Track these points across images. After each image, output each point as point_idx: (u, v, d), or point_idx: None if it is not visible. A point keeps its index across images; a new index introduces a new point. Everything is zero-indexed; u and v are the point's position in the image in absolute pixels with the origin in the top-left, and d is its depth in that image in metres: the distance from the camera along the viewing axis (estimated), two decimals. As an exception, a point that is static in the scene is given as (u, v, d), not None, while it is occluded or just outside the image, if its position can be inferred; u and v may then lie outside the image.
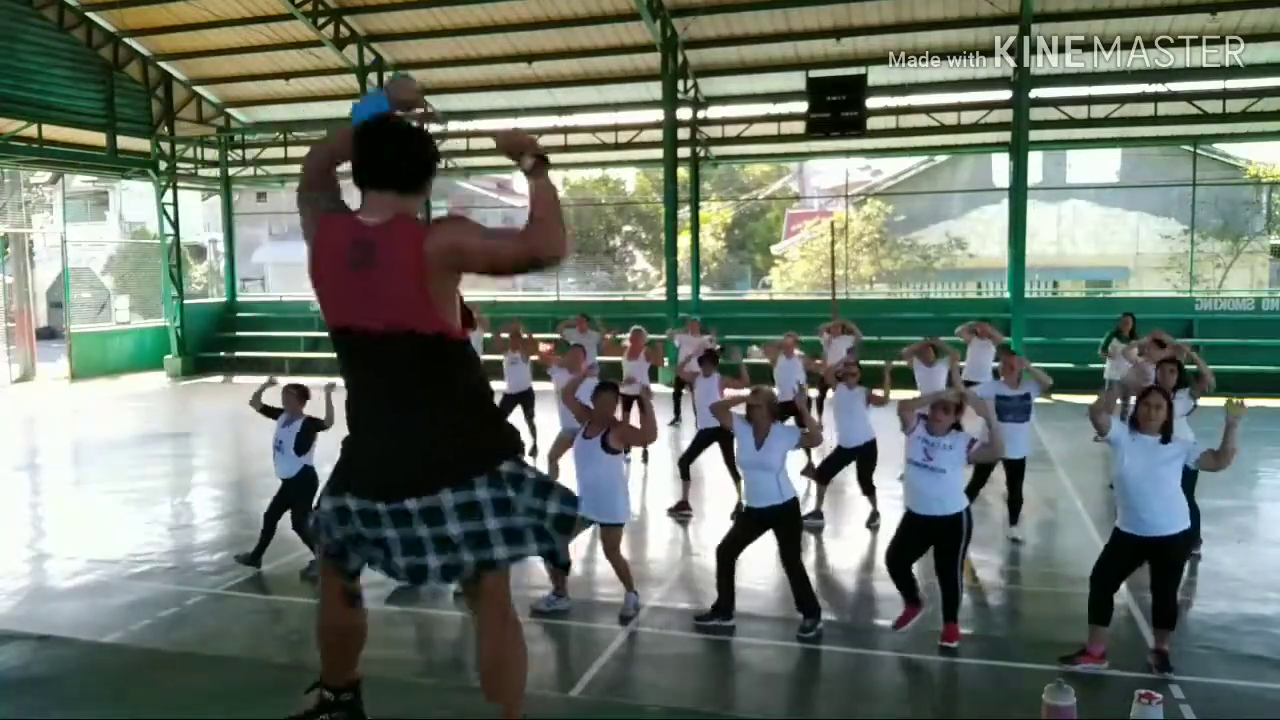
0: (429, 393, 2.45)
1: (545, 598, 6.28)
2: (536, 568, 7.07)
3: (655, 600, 6.40)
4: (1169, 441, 5.13)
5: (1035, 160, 22.86)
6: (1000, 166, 23.51)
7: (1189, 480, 6.77)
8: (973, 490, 7.70)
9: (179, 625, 6.16)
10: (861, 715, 5.06)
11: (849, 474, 8.36)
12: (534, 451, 10.08)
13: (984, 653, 5.69)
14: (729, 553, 5.93)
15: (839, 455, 8.32)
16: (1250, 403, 5.31)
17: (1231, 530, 8.05)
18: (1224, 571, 6.97)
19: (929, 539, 5.60)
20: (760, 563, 7.42)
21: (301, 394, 7.12)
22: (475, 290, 33.10)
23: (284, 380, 7.39)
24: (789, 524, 5.85)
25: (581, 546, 6.41)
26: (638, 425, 6.37)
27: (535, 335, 11.51)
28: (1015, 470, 7.66)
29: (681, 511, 8.74)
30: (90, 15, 18.77)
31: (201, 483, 11.19)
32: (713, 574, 6.02)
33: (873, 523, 8.21)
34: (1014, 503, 7.75)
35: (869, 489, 8.22)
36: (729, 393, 7.59)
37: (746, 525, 5.99)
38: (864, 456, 8.09)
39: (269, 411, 7.23)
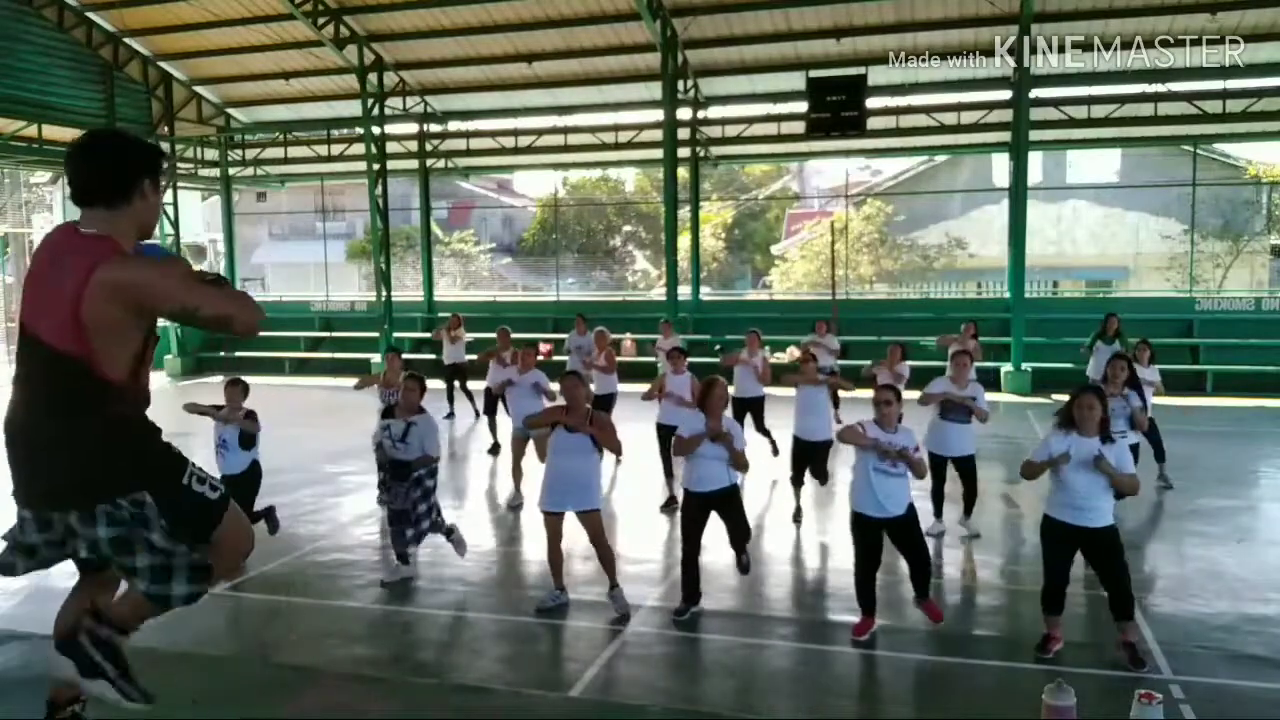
0: (67, 409, 2.52)
1: (545, 595, 6.29)
2: (535, 568, 7.07)
3: (654, 600, 6.39)
4: (1109, 441, 5.13)
5: (1035, 160, 22.88)
6: (1000, 166, 23.52)
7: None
8: (936, 494, 7.74)
9: (178, 625, 6.12)
10: (862, 715, 5.06)
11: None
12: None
13: (982, 652, 5.69)
14: (694, 542, 6.03)
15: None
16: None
17: (1231, 530, 8.05)
18: (1224, 571, 6.97)
19: (892, 534, 5.64)
20: (762, 562, 7.41)
21: (244, 388, 7.10)
22: (474, 289, 33.15)
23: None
24: (734, 506, 6.04)
25: (578, 544, 6.39)
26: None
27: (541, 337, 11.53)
28: (964, 468, 7.68)
29: (671, 507, 8.79)
30: (90, 15, 18.75)
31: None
32: (710, 572, 6.04)
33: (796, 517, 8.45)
34: (967, 497, 7.74)
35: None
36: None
37: (695, 511, 6.03)
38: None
39: (203, 411, 7.06)
